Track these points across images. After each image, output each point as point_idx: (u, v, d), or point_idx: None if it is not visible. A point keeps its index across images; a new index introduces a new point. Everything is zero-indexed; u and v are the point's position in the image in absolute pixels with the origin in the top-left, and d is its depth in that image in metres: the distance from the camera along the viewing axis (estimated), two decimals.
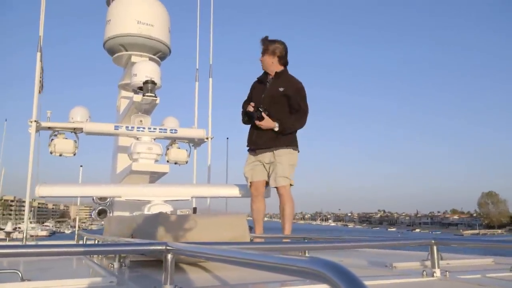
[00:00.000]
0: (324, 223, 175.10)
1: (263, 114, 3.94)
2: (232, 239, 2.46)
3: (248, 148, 4.23)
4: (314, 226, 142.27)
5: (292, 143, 4.07)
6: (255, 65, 4.29)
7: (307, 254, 2.47)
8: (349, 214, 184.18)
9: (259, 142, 4.07)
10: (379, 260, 2.57)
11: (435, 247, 1.98)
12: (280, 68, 4.16)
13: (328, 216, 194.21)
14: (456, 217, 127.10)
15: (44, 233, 51.43)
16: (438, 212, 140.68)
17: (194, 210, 6.26)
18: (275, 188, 4.03)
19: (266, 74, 4.23)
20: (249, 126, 4.24)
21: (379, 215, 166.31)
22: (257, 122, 3.98)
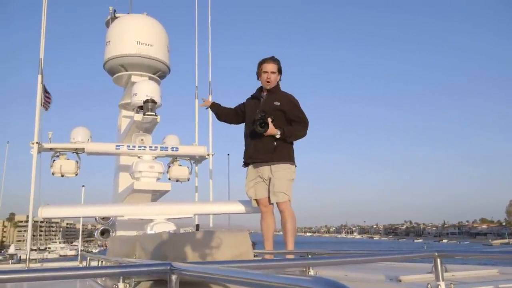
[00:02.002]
0: (349, 236, 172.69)
1: (268, 119, 3.90)
2: (236, 256, 2.46)
3: (244, 162, 4.23)
4: (339, 239, 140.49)
5: (289, 158, 4.06)
6: (253, 78, 4.31)
7: (311, 270, 2.47)
8: (375, 226, 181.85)
9: (256, 156, 4.07)
10: (385, 274, 2.55)
11: (438, 260, 1.96)
12: (275, 83, 4.21)
13: (353, 228, 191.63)
14: (485, 226, 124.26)
15: (73, 252, 51.80)
16: (467, 221, 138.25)
17: (197, 227, 6.25)
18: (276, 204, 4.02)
19: (260, 90, 4.25)
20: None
21: (405, 226, 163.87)
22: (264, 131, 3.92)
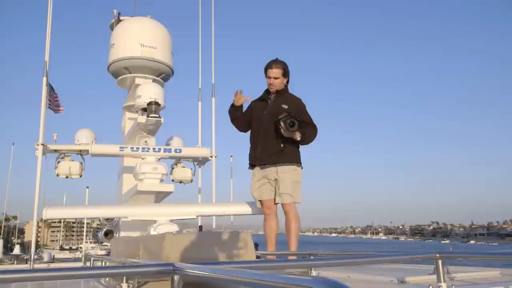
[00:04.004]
0: (374, 237, 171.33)
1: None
2: (238, 257, 2.49)
3: (249, 164, 4.24)
4: (363, 240, 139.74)
5: (296, 160, 4.09)
6: (257, 79, 4.33)
7: (313, 271, 2.49)
8: (401, 227, 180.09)
9: (263, 158, 4.08)
10: (387, 275, 2.56)
11: (440, 261, 1.97)
12: (282, 86, 4.22)
13: (379, 229, 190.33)
14: None
15: (102, 252, 52.41)
16: (497, 222, 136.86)
17: (200, 228, 6.28)
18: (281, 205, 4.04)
19: (267, 92, 4.27)
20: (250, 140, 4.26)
21: (432, 227, 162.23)
22: (284, 132, 3.90)
